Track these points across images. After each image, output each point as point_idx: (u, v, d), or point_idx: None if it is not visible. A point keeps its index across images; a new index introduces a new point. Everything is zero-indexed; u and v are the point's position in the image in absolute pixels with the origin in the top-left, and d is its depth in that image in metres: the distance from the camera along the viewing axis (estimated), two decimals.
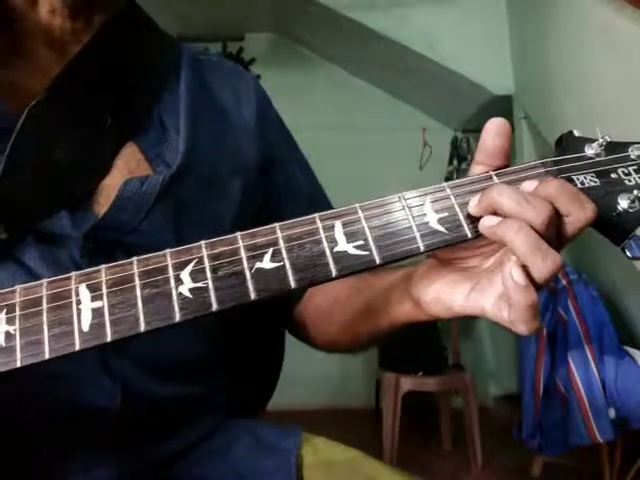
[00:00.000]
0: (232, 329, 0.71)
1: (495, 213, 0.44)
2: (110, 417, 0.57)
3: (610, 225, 0.45)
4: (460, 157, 3.98)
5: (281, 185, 0.77)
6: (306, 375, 3.23)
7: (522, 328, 0.44)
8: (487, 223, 0.44)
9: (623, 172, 0.46)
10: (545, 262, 0.42)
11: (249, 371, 0.80)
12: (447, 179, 3.95)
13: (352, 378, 3.94)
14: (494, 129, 0.48)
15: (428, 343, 3.14)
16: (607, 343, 2.34)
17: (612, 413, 2.23)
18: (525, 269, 0.43)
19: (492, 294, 0.46)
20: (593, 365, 2.30)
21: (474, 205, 0.45)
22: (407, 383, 2.95)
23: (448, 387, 3.14)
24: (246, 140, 0.73)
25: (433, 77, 3.54)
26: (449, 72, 3.33)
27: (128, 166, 0.62)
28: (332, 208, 0.78)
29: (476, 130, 3.95)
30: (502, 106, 3.36)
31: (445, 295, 0.49)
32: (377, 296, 0.59)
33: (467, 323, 3.92)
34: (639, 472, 2.34)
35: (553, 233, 0.44)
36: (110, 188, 0.60)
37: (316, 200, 0.80)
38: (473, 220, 0.45)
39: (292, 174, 0.79)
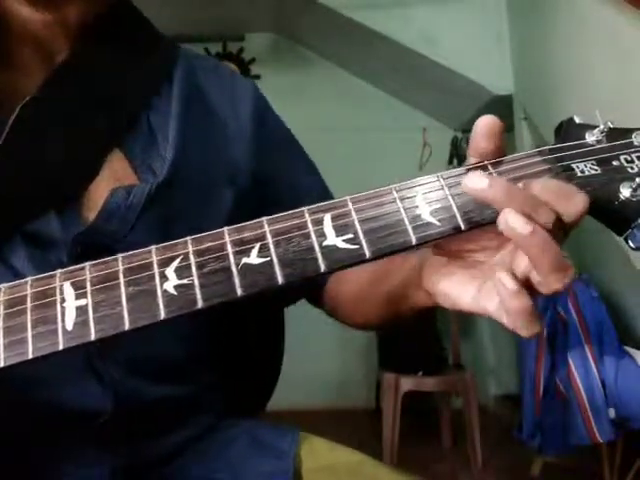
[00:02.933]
0: (221, 327, 0.70)
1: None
2: (102, 419, 0.57)
3: (612, 214, 0.44)
4: (460, 157, 3.98)
5: (284, 188, 0.76)
6: (306, 375, 3.23)
7: (522, 332, 0.43)
8: (512, 224, 0.41)
9: (625, 159, 0.45)
10: (564, 279, 0.42)
11: (248, 370, 0.80)
12: None
13: (352, 378, 3.94)
14: (484, 131, 0.46)
15: (428, 343, 3.14)
16: (607, 343, 2.34)
17: (612, 413, 2.23)
18: (523, 275, 0.43)
19: (495, 298, 0.45)
20: (593, 365, 2.30)
21: (474, 188, 0.42)
22: (407, 383, 2.95)
23: (448, 387, 3.13)
24: (241, 148, 0.71)
25: (433, 77, 3.53)
26: (449, 72, 3.32)
27: (115, 172, 0.61)
28: None
29: None
30: (502, 106, 3.36)
31: (454, 293, 0.49)
32: (396, 285, 0.59)
33: (467, 323, 3.92)
34: (639, 472, 2.34)
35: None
36: (98, 193, 0.59)
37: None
38: (467, 211, 0.43)
39: (297, 178, 0.78)
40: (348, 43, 3.69)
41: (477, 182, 0.42)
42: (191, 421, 0.67)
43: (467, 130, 4.00)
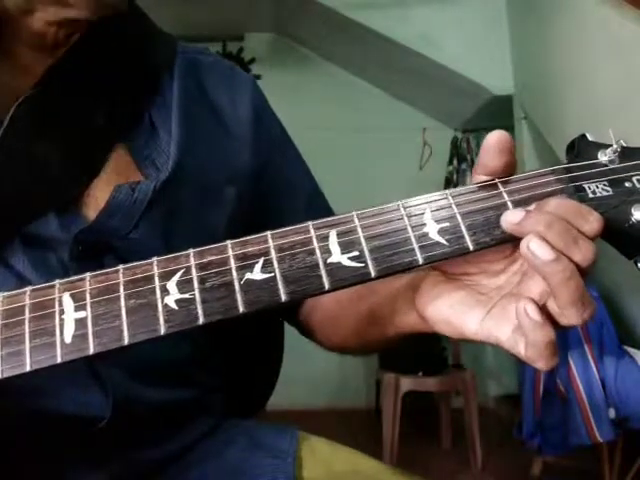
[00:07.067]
0: (225, 331, 0.70)
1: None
2: (101, 424, 0.57)
3: (622, 237, 0.43)
4: (460, 157, 3.97)
5: (279, 186, 0.76)
6: (306, 375, 3.23)
7: (540, 365, 0.41)
8: (534, 249, 0.40)
9: (638, 180, 0.43)
10: (584, 314, 0.40)
11: (247, 371, 0.79)
12: (447, 179, 3.96)
13: (352, 378, 3.94)
14: (494, 146, 0.44)
15: (428, 343, 3.14)
16: (607, 343, 2.34)
17: (612, 413, 2.23)
18: (544, 306, 0.41)
19: (507, 326, 0.43)
20: (593, 365, 2.30)
21: (512, 222, 0.42)
22: (407, 383, 2.95)
23: (448, 387, 3.14)
24: (242, 143, 0.71)
25: (433, 77, 3.53)
26: (449, 72, 3.32)
27: (117, 169, 0.60)
28: (329, 208, 0.79)
29: (476, 130, 3.95)
30: (502, 106, 3.36)
31: (456, 319, 0.46)
32: (381, 303, 0.57)
33: None
34: (639, 472, 2.34)
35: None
36: (99, 191, 0.58)
37: (314, 200, 0.78)
38: (475, 232, 0.42)
39: (290, 175, 0.78)
40: (348, 43, 3.69)
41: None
42: (193, 424, 0.67)
43: (467, 130, 4.00)
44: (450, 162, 4.01)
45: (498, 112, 3.44)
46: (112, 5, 0.56)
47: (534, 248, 0.40)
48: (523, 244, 0.40)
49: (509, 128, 3.34)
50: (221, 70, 0.76)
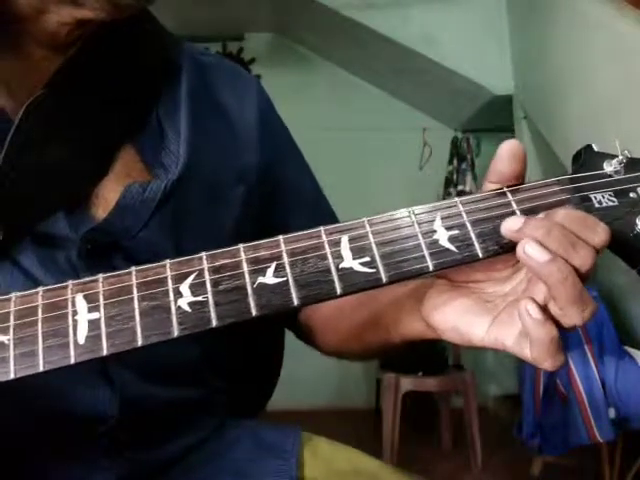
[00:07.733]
0: (233, 332, 0.70)
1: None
2: (109, 423, 0.57)
3: (627, 247, 0.43)
4: (460, 157, 3.97)
5: (283, 187, 0.76)
6: (306, 375, 3.22)
7: (546, 364, 0.42)
8: (530, 252, 0.41)
9: None
10: (584, 312, 0.41)
11: (249, 371, 0.80)
12: (447, 179, 3.96)
13: (352, 378, 3.94)
14: (507, 153, 0.45)
15: (428, 343, 3.13)
16: (607, 343, 2.35)
17: (612, 413, 2.24)
18: (547, 308, 0.42)
19: (513, 331, 0.44)
20: (593, 365, 2.30)
21: (511, 229, 0.42)
22: (407, 383, 2.96)
23: (448, 387, 3.14)
24: (248, 144, 0.71)
25: (433, 77, 3.54)
26: (449, 72, 3.33)
27: (125, 169, 0.60)
28: (332, 211, 0.79)
29: (476, 130, 3.95)
30: (502, 106, 3.36)
31: (463, 326, 0.46)
32: (384, 310, 0.58)
33: None
34: (639, 472, 2.34)
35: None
36: (107, 191, 0.58)
37: (317, 202, 0.79)
38: (485, 239, 0.43)
39: (294, 176, 0.78)
40: (348, 43, 3.69)
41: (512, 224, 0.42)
42: (197, 424, 0.67)
43: (467, 130, 4.01)
44: (450, 162, 4.01)
45: (498, 112, 3.44)
46: (128, 6, 0.56)
47: (529, 251, 0.40)
48: (519, 248, 0.41)
49: (509, 128, 3.34)
50: (226, 70, 0.76)
